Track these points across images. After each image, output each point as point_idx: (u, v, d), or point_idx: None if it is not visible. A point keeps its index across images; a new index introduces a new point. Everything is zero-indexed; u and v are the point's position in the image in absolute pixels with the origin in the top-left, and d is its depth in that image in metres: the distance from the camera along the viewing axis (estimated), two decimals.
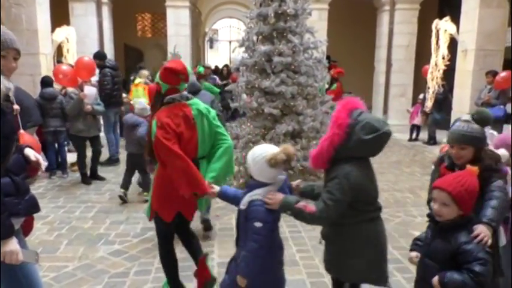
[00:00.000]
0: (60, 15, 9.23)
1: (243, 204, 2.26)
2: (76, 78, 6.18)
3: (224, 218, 4.85)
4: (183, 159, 2.68)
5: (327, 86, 6.10)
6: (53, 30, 8.02)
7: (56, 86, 6.78)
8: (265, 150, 2.27)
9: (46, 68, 7.49)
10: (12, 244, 1.93)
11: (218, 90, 8.36)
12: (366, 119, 2.22)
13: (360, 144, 2.20)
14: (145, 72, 8.64)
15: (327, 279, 3.47)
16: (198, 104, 2.98)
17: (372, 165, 2.39)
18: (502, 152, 2.63)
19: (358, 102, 2.33)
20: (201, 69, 9.01)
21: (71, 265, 3.72)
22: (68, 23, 9.22)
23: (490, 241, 1.98)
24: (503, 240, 2.55)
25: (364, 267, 2.28)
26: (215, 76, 10.57)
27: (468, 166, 2.12)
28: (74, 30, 8.63)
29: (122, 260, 3.83)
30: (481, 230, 2.00)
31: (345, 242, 2.31)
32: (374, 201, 2.34)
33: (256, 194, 2.25)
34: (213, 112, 3.04)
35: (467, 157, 2.35)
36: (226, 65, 13.09)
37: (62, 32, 8.28)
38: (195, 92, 4.34)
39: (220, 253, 3.91)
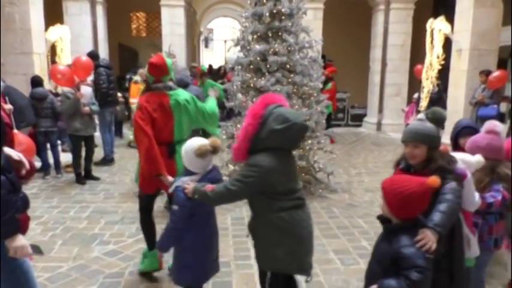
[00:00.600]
0: (54, 14, 9.17)
1: (171, 189, 2.64)
2: (73, 78, 6.15)
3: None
4: (150, 139, 3.09)
5: (321, 86, 6.09)
6: (46, 29, 7.97)
7: (48, 86, 6.73)
8: (194, 142, 2.57)
9: (40, 68, 7.44)
10: (20, 239, 2.02)
11: (221, 86, 8.40)
12: (279, 111, 2.30)
13: (271, 134, 2.26)
14: (142, 70, 8.70)
15: (322, 278, 3.48)
16: (178, 95, 3.35)
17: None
18: (477, 159, 2.45)
19: (278, 98, 2.44)
20: (203, 67, 9.59)
21: (65, 265, 3.69)
22: (61, 22, 9.16)
23: (434, 246, 1.90)
24: (475, 251, 2.47)
25: (283, 256, 2.31)
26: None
27: (432, 177, 1.96)
28: (67, 29, 8.57)
29: (117, 260, 3.81)
30: (425, 235, 1.93)
31: (263, 232, 2.38)
32: (288, 192, 2.35)
33: (180, 181, 2.55)
34: (195, 103, 3.45)
35: (420, 157, 2.28)
36: (222, 66, 13.11)
37: (56, 31, 8.23)
38: (184, 86, 4.75)
39: None
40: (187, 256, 2.58)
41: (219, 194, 2.33)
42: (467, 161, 2.42)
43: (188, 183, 2.48)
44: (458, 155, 2.41)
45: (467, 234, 2.42)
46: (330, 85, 9.60)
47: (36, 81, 6.38)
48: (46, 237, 4.32)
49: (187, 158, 2.58)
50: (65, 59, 8.13)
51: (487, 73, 7.36)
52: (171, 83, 3.37)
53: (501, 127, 2.66)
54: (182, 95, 3.40)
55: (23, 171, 2.14)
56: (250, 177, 2.25)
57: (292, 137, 2.33)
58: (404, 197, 1.93)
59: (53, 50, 8.36)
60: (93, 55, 7.51)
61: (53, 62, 8.16)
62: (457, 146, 3.12)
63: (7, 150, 2.12)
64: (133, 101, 8.30)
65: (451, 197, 2.12)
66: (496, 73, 7.28)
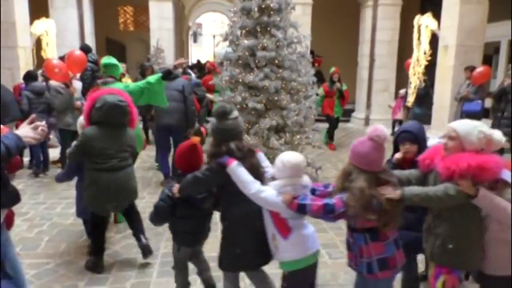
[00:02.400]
0: (38, 7, 9.02)
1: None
2: (68, 72, 6.07)
3: None
4: None
5: (313, 81, 6.08)
6: (31, 22, 7.83)
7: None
8: None
9: (25, 62, 7.33)
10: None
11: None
12: (105, 97, 3.41)
13: (96, 112, 3.39)
14: (123, 65, 8.64)
15: None
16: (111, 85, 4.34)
17: None
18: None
19: (114, 90, 3.74)
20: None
21: (52, 262, 3.67)
22: (47, 15, 9.01)
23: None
24: (282, 255, 2.42)
25: (89, 199, 3.48)
26: (190, 71, 10.49)
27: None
28: (53, 22, 8.42)
29: (105, 256, 3.76)
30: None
31: (84, 182, 3.53)
32: (104, 157, 3.38)
33: None
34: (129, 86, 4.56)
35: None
36: (209, 61, 13.03)
37: (41, 25, 8.08)
38: (172, 78, 5.35)
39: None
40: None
41: (67, 153, 3.69)
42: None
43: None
44: None
45: (274, 233, 2.42)
46: (345, 85, 8.73)
47: (32, 76, 6.28)
48: (32, 233, 4.28)
49: None
50: (50, 53, 8.01)
51: (471, 69, 7.46)
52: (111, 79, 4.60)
53: (384, 134, 2.24)
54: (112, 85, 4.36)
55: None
56: (78, 142, 3.39)
57: (111, 115, 3.38)
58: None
59: (38, 44, 8.23)
60: (86, 49, 7.45)
61: (38, 56, 8.04)
62: (396, 150, 2.88)
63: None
64: None
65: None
66: (480, 69, 7.37)
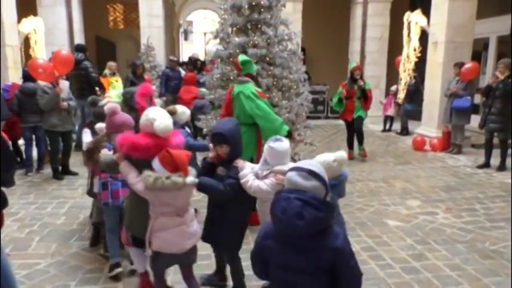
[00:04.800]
0: (26, 5, 8.91)
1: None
2: (54, 72, 6.00)
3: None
4: None
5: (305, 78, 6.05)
6: (19, 21, 7.73)
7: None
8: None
9: (13, 61, 7.24)
10: None
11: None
12: None
13: None
14: (112, 63, 8.63)
15: None
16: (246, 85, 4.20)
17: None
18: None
19: None
20: None
21: (43, 262, 3.64)
22: (35, 13, 8.90)
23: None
24: None
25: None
26: (180, 69, 10.46)
27: None
28: (41, 21, 8.34)
29: (96, 255, 3.76)
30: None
31: None
32: None
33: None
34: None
35: None
36: (198, 59, 13.00)
37: (29, 23, 8.00)
38: None
39: None
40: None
41: None
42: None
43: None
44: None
45: None
46: (369, 84, 7.71)
47: (28, 76, 6.20)
48: (23, 234, 4.24)
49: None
50: (39, 52, 7.93)
51: (460, 65, 7.53)
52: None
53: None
54: None
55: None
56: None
57: None
58: None
59: (26, 43, 8.13)
60: (82, 49, 7.45)
61: (27, 55, 7.95)
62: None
63: None
64: (105, 95, 8.17)
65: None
66: (468, 65, 7.45)
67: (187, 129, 4.61)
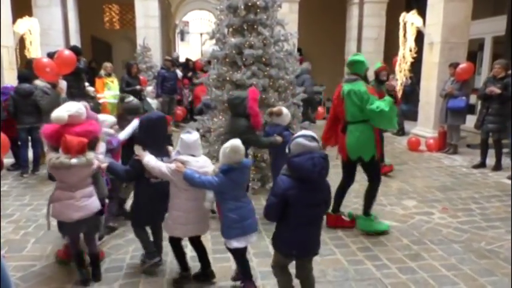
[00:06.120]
0: (22, 5, 8.87)
1: None
2: (58, 72, 5.98)
3: None
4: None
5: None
6: (14, 21, 7.69)
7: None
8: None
9: (8, 62, 7.19)
10: None
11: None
12: None
13: None
14: (107, 64, 8.61)
15: None
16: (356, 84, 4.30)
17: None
18: None
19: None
20: None
21: (38, 264, 3.62)
22: (30, 14, 8.86)
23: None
24: None
25: None
26: (177, 70, 10.46)
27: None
28: (37, 21, 8.29)
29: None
30: None
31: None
32: None
33: None
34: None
35: None
36: (189, 59, 13.05)
37: (24, 24, 7.95)
38: None
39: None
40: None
41: None
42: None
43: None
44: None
45: None
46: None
47: (23, 77, 6.16)
48: (18, 235, 4.21)
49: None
50: (34, 53, 7.89)
51: (455, 65, 7.56)
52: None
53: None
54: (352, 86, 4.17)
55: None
56: None
57: None
58: None
59: (21, 44, 8.09)
60: (77, 51, 7.41)
61: (22, 55, 7.92)
62: None
63: None
64: (100, 96, 8.16)
65: None
66: (463, 65, 7.48)
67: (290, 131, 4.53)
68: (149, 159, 3.10)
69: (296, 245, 2.70)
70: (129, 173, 3.27)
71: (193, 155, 3.06)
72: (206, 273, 3.31)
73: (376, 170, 4.36)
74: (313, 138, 2.60)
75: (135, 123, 4.06)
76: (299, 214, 2.60)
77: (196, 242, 3.31)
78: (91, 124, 3.33)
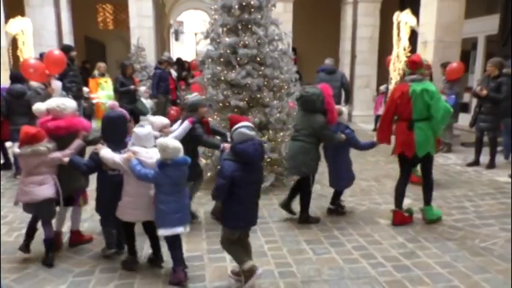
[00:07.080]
0: (14, 5, 8.81)
1: None
2: (45, 72, 5.92)
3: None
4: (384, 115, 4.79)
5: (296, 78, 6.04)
6: (6, 21, 7.63)
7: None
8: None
9: (1, 62, 7.14)
10: None
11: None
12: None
13: None
14: (101, 64, 8.57)
15: (295, 268, 3.53)
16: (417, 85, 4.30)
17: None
18: None
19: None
20: None
21: (32, 266, 3.59)
22: (22, 14, 8.79)
23: None
24: None
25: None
26: (172, 70, 10.42)
27: None
28: (29, 21, 8.21)
29: (87, 258, 3.73)
30: None
31: None
32: None
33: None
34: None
35: None
36: (184, 61, 13.03)
37: (17, 24, 7.87)
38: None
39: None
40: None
41: None
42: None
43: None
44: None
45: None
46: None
47: (15, 77, 6.11)
48: (12, 237, 4.18)
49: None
50: (27, 53, 7.82)
51: (446, 65, 7.60)
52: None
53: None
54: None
55: None
56: None
57: None
58: None
59: (14, 44, 8.03)
60: (66, 49, 7.36)
61: (14, 56, 7.86)
62: None
63: None
64: (94, 96, 8.12)
65: None
66: (452, 65, 7.52)
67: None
68: (105, 152, 3.35)
69: (244, 217, 3.11)
70: (89, 166, 3.48)
71: (144, 146, 3.32)
72: (157, 257, 3.57)
73: (431, 165, 4.52)
74: (252, 128, 3.06)
75: (186, 125, 4.08)
76: (243, 191, 3.02)
77: (149, 229, 3.48)
78: (70, 121, 3.60)
